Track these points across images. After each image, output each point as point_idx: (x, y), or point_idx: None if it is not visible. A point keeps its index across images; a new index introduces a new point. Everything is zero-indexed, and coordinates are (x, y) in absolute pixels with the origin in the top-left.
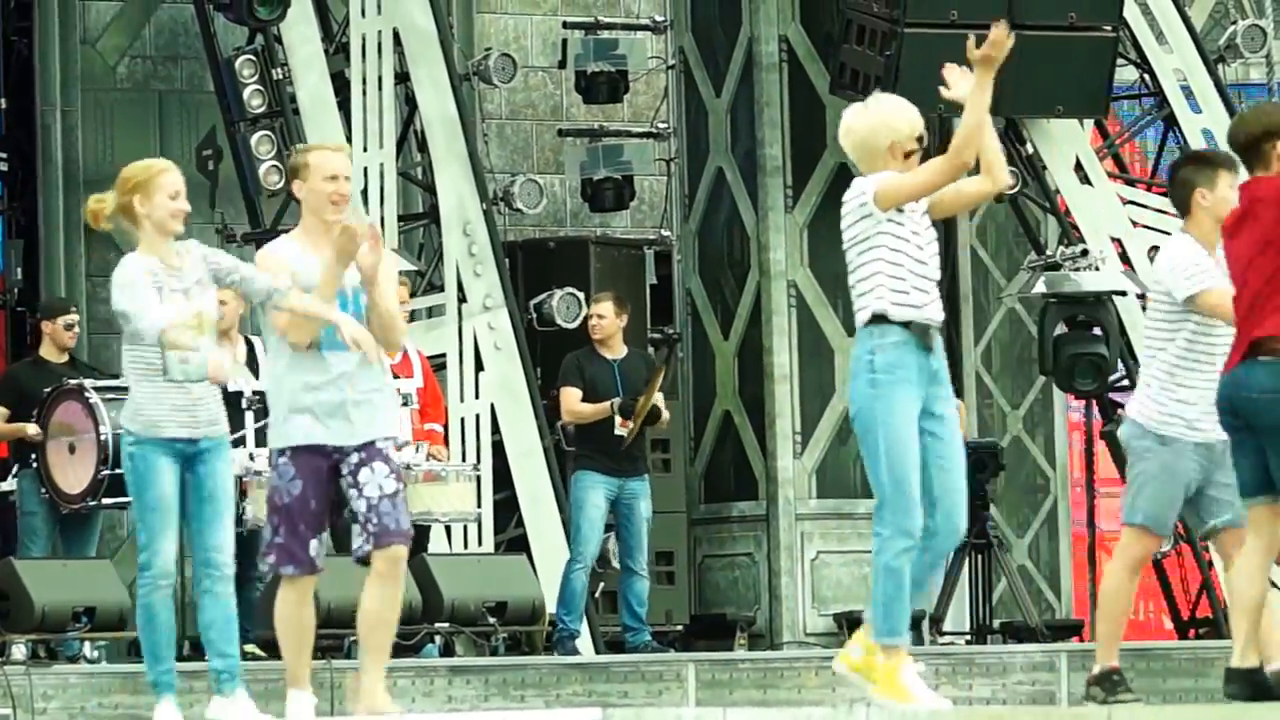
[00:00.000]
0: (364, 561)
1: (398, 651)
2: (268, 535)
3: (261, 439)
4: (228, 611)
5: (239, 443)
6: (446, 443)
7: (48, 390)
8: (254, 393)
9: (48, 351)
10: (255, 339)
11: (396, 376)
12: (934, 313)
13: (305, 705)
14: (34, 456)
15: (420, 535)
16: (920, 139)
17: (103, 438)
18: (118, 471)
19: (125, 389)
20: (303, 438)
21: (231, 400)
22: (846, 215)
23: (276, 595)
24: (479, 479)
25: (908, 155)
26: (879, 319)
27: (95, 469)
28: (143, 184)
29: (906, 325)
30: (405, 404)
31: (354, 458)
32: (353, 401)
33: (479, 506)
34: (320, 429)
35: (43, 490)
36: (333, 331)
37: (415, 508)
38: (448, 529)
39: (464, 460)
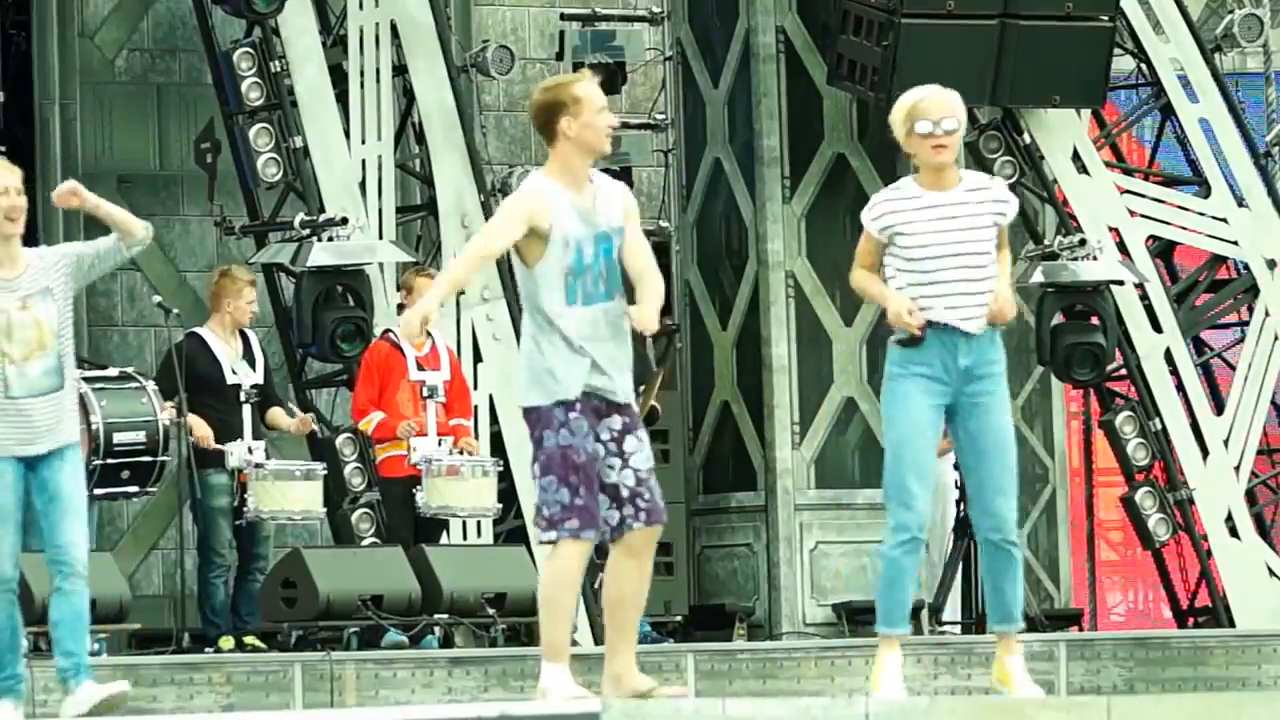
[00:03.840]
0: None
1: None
2: (564, 498)
3: (259, 431)
4: (76, 609)
5: (237, 436)
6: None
7: None
8: (252, 386)
9: None
10: (252, 334)
11: (422, 369)
12: (947, 315)
13: (567, 680)
14: None
15: (437, 529)
16: (926, 121)
17: (94, 427)
18: (109, 461)
19: (115, 378)
20: (584, 381)
21: (230, 394)
22: None
23: (551, 562)
24: (498, 474)
25: (925, 136)
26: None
27: (86, 459)
28: None
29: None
30: (431, 396)
31: (616, 422)
32: (613, 352)
33: (499, 502)
34: (601, 376)
35: None
36: (591, 282)
37: (434, 502)
38: (463, 521)
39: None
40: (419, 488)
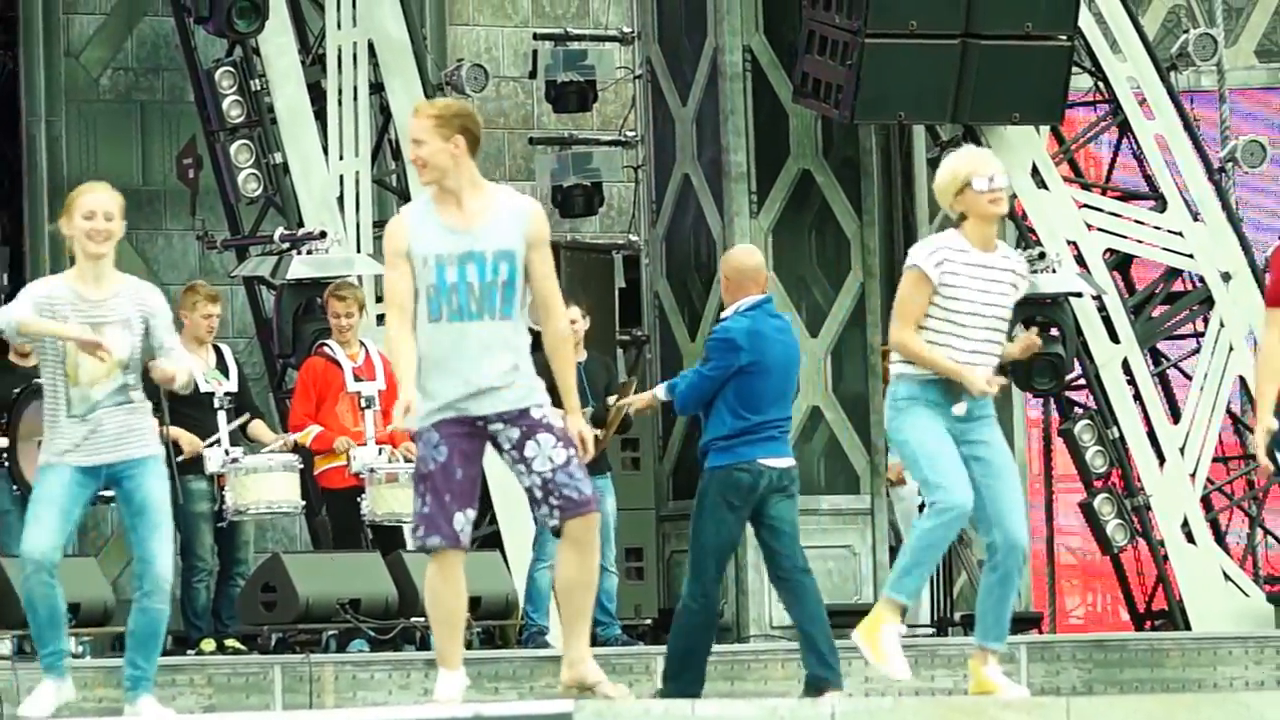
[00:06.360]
0: (557, 533)
1: (374, 645)
2: (415, 506)
3: (236, 438)
4: (152, 625)
5: (214, 441)
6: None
7: (16, 391)
8: (226, 394)
9: (13, 355)
10: (224, 346)
11: (359, 379)
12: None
13: (452, 686)
14: (4, 456)
15: (393, 535)
16: (982, 178)
17: None
18: None
19: None
20: (447, 404)
21: (204, 401)
22: None
23: (428, 574)
24: None
25: (982, 192)
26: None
27: None
28: (67, 205)
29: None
30: (369, 407)
31: (513, 432)
32: (488, 370)
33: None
34: (470, 402)
35: (14, 489)
36: (465, 298)
37: (379, 510)
38: None
39: None
40: (363, 496)
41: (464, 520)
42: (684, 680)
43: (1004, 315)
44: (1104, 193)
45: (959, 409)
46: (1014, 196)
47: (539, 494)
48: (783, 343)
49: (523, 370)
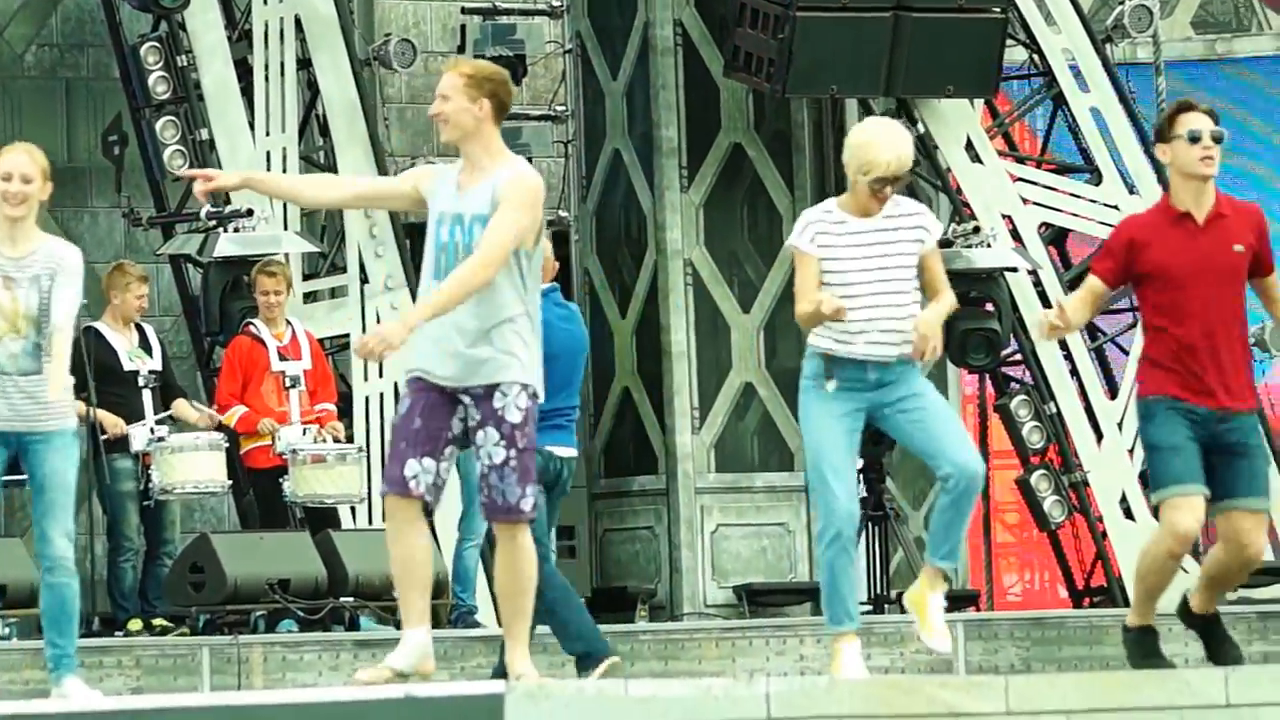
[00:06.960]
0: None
1: (303, 625)
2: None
3: (162, 417)
4: (60, 602)
5: (139, 419)
6: (341, 418)
7: None
8: (150, 372)
9: None
10: (147, 325)
11: (284, 359)
12: (865, 349)
13: (413, 644)
14: None
15: (323, 515)
16: (883, 179)
17: None
18: None
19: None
20: (416, 362)
21: (129, 379)
22: None
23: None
24: (366, 460)
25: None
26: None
27: None
28: None
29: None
30: (294, 386)
31: (475, 414)
32: (456, 334)
33: (366, 488)
34: (434, 363)
35: None
36: (451, 257)
37: (301, 491)
38: (353, 506)
39: (368, 439)
40: (285, 477)
41: (417, 468)
42: (576, 634)
43: (900, 273)
44: (1039, 166)
45: (830, 386)
46: (948, 170)
47: (479, 484)
48: (567, 330)
49: (495, 340)
